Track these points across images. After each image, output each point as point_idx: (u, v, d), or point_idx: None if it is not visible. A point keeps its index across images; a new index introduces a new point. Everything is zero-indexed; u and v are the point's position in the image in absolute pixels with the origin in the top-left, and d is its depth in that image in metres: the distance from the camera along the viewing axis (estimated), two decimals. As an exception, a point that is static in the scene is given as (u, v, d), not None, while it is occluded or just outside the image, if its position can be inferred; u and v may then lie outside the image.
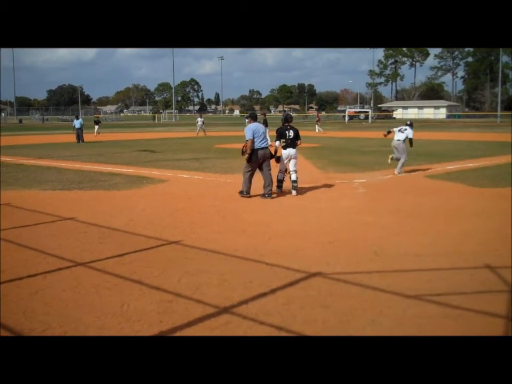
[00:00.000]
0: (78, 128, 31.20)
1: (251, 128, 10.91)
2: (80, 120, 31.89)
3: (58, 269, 6.08)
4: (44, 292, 5.33)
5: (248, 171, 10.94)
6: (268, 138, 11.10)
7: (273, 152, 11.28)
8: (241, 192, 11.04)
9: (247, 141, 10.86)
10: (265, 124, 25.65)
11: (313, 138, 32.56)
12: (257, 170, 11.04)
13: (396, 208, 9.79)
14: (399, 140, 14.50)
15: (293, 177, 11.33)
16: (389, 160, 14.89)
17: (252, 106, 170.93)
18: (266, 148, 11.03)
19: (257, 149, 10.79)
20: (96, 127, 37.52)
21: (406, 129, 14.65)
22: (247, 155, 10.84)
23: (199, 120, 39.92)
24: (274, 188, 11.36)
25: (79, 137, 31.15)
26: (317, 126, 43.75)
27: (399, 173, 14.40)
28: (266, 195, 10.88)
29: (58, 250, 6.86)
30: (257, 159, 10.86)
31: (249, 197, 10.91)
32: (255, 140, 10.76)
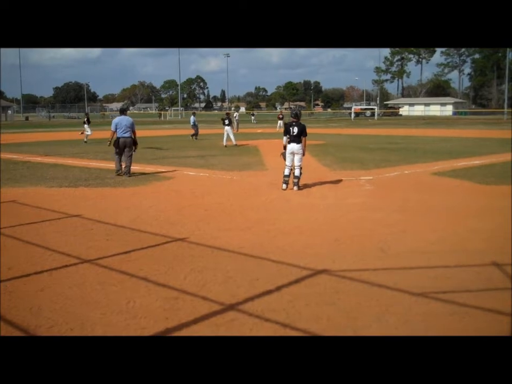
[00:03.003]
0: (193, 125, 31.00)
1: (115, 122, 14.01)
2: (193, 117, 31.72)
3: (64, 266, 6.10)
4: (50, 289, 5.35)
5: (115, 153, 14.02)
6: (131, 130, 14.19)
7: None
8: (116, 171, 14.06)
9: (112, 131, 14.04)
10: (230, 122, 25.47)
11: (319, 135, 32.50)
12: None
13: (402, 205, 9.76)
14: None
15: (296, 172, 11.56)
16: None
17: (257, 103, 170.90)
18: (128, 137, 13.87)
19: (119, 137, 13.77)
20: None
21: None
22: (111, 142, 13.95)
23: (236, 115, 39.02)
24: (282, 184, 11.63)
25: (196, 132, 30.88)
26: (279, 122, 40.70)
27: None
28: (127, 174, 13.72)
29: (64, 247, 6.88)
30: (119, 145, 13.80)
31: (119, 174, 13.84)
32: (117, 130, 13.80)
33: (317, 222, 8.45)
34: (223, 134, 25.29)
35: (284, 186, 11.58)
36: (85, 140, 28.77)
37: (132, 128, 13.99)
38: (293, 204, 10.14)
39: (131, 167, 14.01)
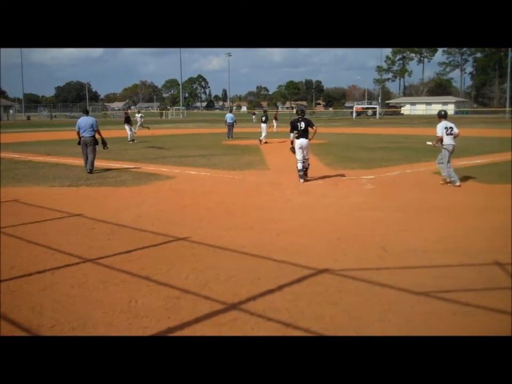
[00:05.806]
0: (229, 123, 30.36)
1: (78, 123, 15.06)
2: (232, 115, 31.13)
3: (66, 265, 6.11)
4: (52, 288, 5.36)
5: (82, 151, 15.06)
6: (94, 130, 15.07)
7: None
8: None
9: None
10: (266, 118, 26.84)
11: (320, 134, 32.42)
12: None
13: (404, 204, 9.76)
14: None
15: (305, 164, 12.54)
16: None
17: (259, 102, 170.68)
18: (88, 136, 14.80)
19: (82, 137, 14.87)
20: None
21: None
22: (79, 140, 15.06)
23: (139, 116, 38.95)
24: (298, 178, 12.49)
25: (230, 132, 30.42)
26: (274, 122, 39.69)
27: None
28: (90, 170, 14.67)
29: (66, 246, 6.89)
30: (83, 143, 14.87)
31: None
32: (80, 130, 14.87)
33: (319, 221, 8.45)
34: (260, 131, 26.59)
35: (301, 180, 12.37)
36: (134, 139, 27.88)
37: (93, 128, 14.97)
38: (295, 203, 10.14)
39: (94, 163, 14.92)
